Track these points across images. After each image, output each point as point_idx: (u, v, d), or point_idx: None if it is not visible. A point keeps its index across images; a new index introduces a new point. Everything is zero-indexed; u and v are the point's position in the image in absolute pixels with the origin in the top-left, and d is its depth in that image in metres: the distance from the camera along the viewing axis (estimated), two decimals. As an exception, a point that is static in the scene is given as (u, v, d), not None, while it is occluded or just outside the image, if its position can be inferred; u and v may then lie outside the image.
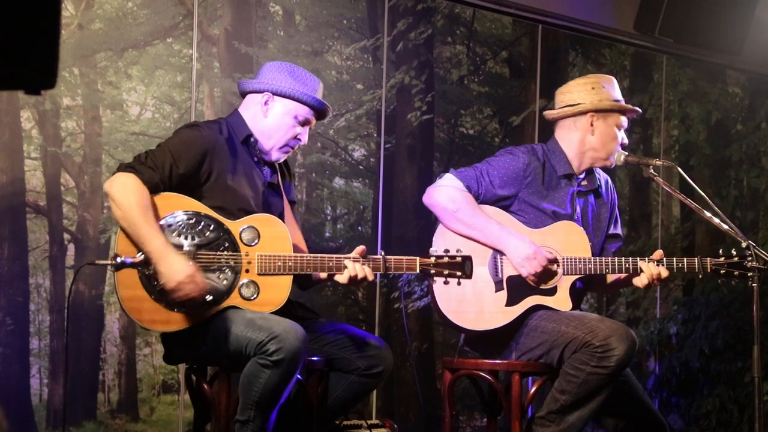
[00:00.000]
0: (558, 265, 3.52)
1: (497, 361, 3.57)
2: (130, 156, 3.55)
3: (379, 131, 5.11)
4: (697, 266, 3.56)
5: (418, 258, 3.30)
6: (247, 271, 3.18)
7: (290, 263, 3.19)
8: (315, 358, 3.30)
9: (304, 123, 3.39)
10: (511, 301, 3.52)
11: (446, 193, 3.55)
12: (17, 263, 4.08)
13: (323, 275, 3.30)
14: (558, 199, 3.64)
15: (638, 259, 3.55)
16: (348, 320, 4.95)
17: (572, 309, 3.54)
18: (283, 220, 3.31)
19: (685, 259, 3.59)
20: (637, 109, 3.77)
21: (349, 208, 5.05)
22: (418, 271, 3.30)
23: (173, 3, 4.48)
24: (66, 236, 4.20)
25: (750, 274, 3.48)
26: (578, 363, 3.36)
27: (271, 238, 3.21)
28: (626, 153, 3.69)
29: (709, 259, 3.57)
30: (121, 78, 4.36)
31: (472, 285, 3.47)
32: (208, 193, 3.22)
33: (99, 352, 4.27)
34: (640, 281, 3.55)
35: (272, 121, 3.37)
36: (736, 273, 3.54)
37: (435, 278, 3.34)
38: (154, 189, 3.13)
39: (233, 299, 3.17)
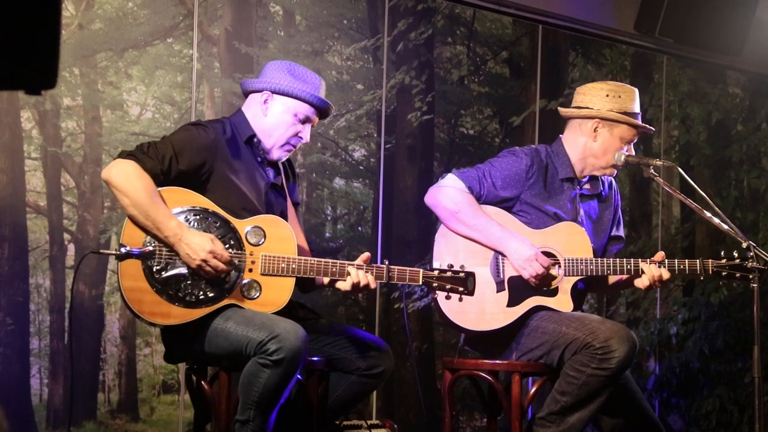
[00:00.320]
0: (559, 267, 3.52)
1: (497, 362, 3.57)
2: (131, 156, 3.54)
3: (380, 131, 5.10)
4: (698, 268, 3.54)
5: (421, 270, 3.29)
6: (250, 270, 3.18)
7: (294, 265, 3.19)
8: (315, 358, 3.30)
9: (305, 121, 3.38)
10: (513, 302, 3.52)
11: (448, 193, 3.54)
12: (17, 263, 4.08)
13: (326, 280, 3.30)
14: (560, 201, 3.63)
15: (640, 260, 3.54)
16: (348, 320, 4.95)
17: (573, 310, 3.53)
18: (285, 220, 3.31)
19: (686, 260, 3.56)
20: (650, 127, 3.72)
21: (350, 209, 5.05)
22: (420, 283, 3.30)
23: (173, 3, 4.48)
24: (66, 236, 4.20)
25: (750, 275, 3.47)
26: (579, 364, 3.35)
27: (277, 239, 3.21)
28: (626, 153, 3.68)
29: (710, 261, 3.55)
30: (122, 78, 4.36)
31: (473, 285, 3.47)
32: (210, 192, 3.22)
33: (99, 352, 4.27)
34: (641, 282, 3.54)
35: (272, 119, 3.36)
36: (737, 275, 3.52)
37: (437, 292, 3.33)
38: (154, 180, 3.11)
39: (234, 297, 3.17)
